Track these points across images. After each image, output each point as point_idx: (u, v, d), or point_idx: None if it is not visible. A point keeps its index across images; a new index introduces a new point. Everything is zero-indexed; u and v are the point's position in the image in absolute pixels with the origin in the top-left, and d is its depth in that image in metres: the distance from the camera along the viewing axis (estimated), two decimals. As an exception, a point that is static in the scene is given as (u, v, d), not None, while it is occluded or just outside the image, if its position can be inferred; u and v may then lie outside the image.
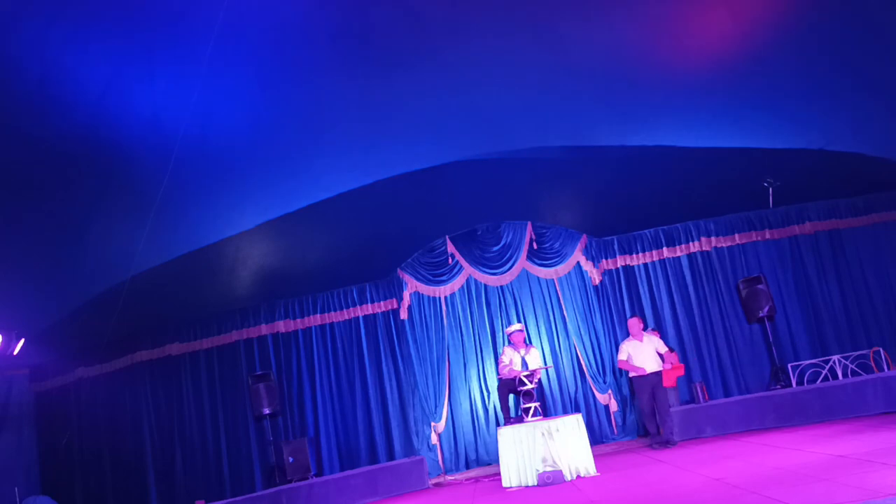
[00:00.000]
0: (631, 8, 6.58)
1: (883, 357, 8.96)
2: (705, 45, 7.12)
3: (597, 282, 10.16)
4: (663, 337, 9.67)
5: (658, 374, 8.50)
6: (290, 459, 8.97)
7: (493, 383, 9.76)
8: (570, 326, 9.97)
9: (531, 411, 7.75)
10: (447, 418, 9.79)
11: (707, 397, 9.25)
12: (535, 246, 10.15)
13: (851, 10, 6.87)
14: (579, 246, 10.22)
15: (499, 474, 7.80)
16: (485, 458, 9.65)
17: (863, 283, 10.10)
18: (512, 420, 8.26)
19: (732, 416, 8.61)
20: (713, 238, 10.17)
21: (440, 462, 9.65)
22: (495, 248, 10.14)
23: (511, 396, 8.69)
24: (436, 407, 9.75)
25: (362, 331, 10.13)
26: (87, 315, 9.23)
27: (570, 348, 9.99)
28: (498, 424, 9.21)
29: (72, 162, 6.50)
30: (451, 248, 10.17)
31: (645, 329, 9.47)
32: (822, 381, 8.81)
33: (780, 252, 10.18)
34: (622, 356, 8.76)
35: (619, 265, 10.24)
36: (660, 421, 8.54)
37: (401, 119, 7.60)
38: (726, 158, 9.11)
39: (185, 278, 9.12)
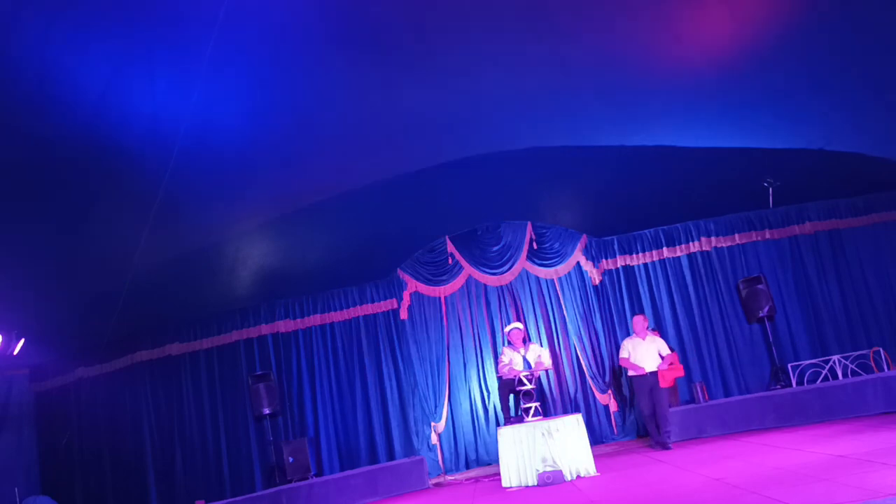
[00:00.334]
0: (631, 8, 6.58)
1: (883, 357, 8.96)
2: (705, 45, 7.12)
3: (597, 282, 10.16)
4: (663, 337, 9.65)
5: (656, 374, 8.42)
6: (290, 459, 8.98)
7: (493, 383, 9.76)
8: (570, 326, 9.96)
9: (531, 411, 7.75)
10: (447, 418, 9.80)
11: (707, 397, 9.25)
12: (535, 246, 10.15)
13: (851, 9, 6.86)
14: (579, 246, 10.22)
15: (499, 474, 7.80)
16: (485, 458, 9.65)
17: (863, 283, 10.10)
18: (512, 420, 8.26)
19: (732, 416, 8.61)
20: (713, 238, 10.17)
21: (440, 462, 9.65)
22: (495, 248, 10.14)
23: (511, 396, 8.69)
24: (436, 407, 9.76)
25: (362, 331, 10.14)
26: (87, 315, 9.23)
27: (570, 348, 9.99)
28: (498, 424, 9.22)
29: (72, 162, 6.50)
30: (451, 248, 10.17)
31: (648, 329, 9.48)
32: (822, 381, 8.81)
33: (780, 252, 10.18)
34: (623, 353, 8.73)
35: (619, 265, 10.24)
36: (658, 422, 8.49)
37: (401, 119, 7.59)
38: (726, 158, 9.11)
39: (185, 278, 9.12)
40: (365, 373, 9.99)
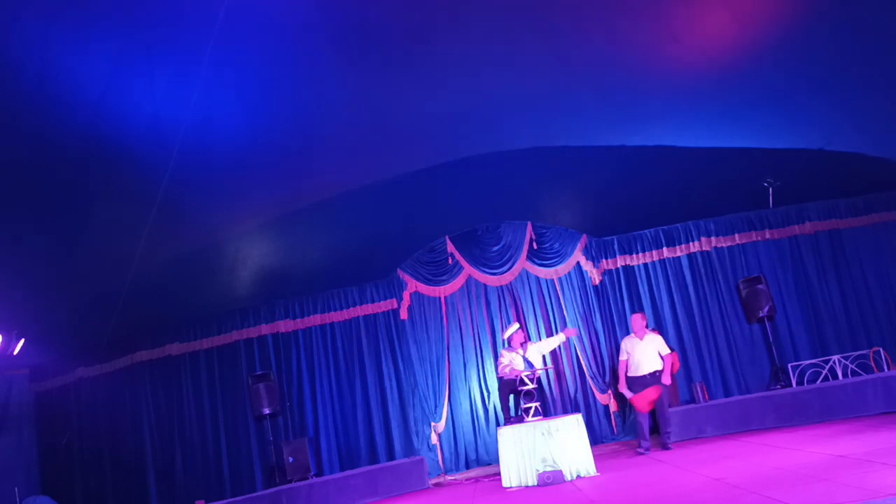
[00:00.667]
0: (631, 8, 6.58)
1: (883, 357, 8.96)
2: (705, 46, 7.12)
3: (597, 282, 10.16)
4: (663, 337, 9.64)
5: (654, 375, 8.21)
6: (290, 459, 8.98)
7: (493, 383, 9.75)
8: (570, 326, 9.95)
9: (531, 411, 7.74)
10: (447, 418, 9.80)
11: (707, 397, 9.24)
12: (535, 246, 10.15)
13: (851, 9, 6.86)
14: (579, 246, 10.22)
15: (499, 474, 7.80)
16: (485, 458, 9.65)
17: (863, 283, 10.10)
18: (512, 420, 8.26)
19: (732, 416, 8.60)
20: (713, 238, 10.17)
21: (440, 462, 9.65)
22: (495, 248, 10.14)
23: (511, 396, 8.69)
24: (436, 407, 9.75)
25: (362, 331, 10.13)
26: (87, 315, 9.23)
27: (570, 348, 9.98)
28: (498, 424, 9.21)
29: (72, 162, 6.50)
30: (451, 247, 10.17)
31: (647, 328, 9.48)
32: (822, 381, 8.81)
33: (780, 252, 10.17)
34: (622, 356, 8.55)
35: (619, 265, 10.24)
36: (658, 423, 8.40)
37: (401, 118, 7.60)
38: (726, 158, 9.10)
39: (185, 278, 9.12)
40: (365, 373, 9.99)
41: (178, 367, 10.05)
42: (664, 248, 10.21)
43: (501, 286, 10.15)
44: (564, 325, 10.00)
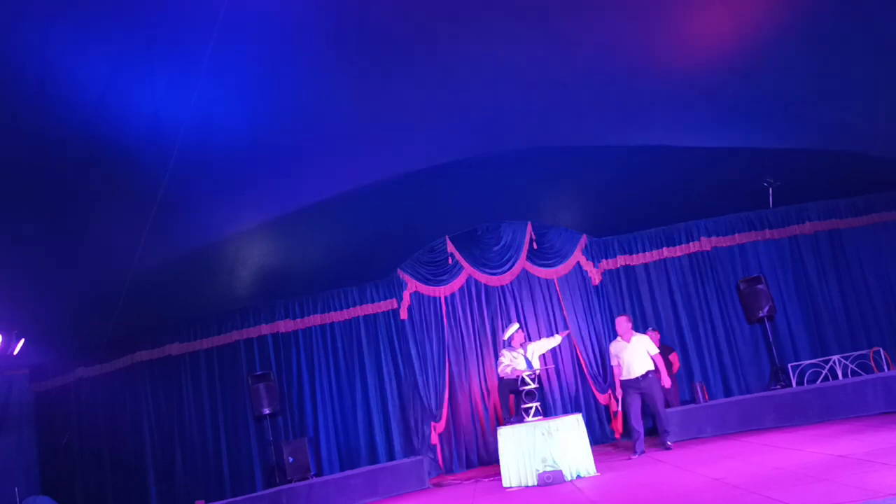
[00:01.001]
0: (631, 8, 6.58)
1: (883, 357, 8.95)
2: (705, 45, 7.12)
3: (597, 282, 10.16)
4: (663, 337, 9.66)
5: (646, 376, 8.01)
6: (290, 459, 8.98)
7: (493, 383, 9.75)
8: (570, 326, 9.96)
9: (531, 411, 7.74)
10: (447, 418, 9.79)
11: (707, 397, 9.24)
12: (535, 246, 10.14)
13: (851, 9, 6.86)
14: (579, 246, 10.22)
15: (499, 474, 7.79)
16: (485, 458, 9.66)
17: (863, 283, 10.11)
18: (512, 420, 8.26)
19: (732, 416, 8.59)
20: (713, 238, 10.17)
21: (440, 462, 9.65)
22: (495, 248, 10.14)
23: (511, 396, 8.68)
24: (436, 407, 9.75)
25: (362, 331, 10.14)
26: (87, 315, 9.23)
27: (570, 348, 9.98)
28: (498, 424, 9.21)
29: (72, 162, 6.50)
30: (451, 248, 10.17)
31: (646, 329, 9.46)
32: (822, 381, 8.81)
33: (780, 252, 10.18)
34: (613, 362, 8.36)
35: (619, 265, 10.25)
36: (656, 423, 8.27)
37: (401, 119, 7.59)
38: (726, 158, 9.10)
39: (185, 278, 9.12)
40: (365, 373, 9.99)
41: (178, 367, 10.05)
42: (664, 248, 10.22)
43: (501, 286, 10.15)
44: (565, 325, 10.01)
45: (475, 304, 10.14)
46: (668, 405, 9.09)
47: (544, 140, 8.49)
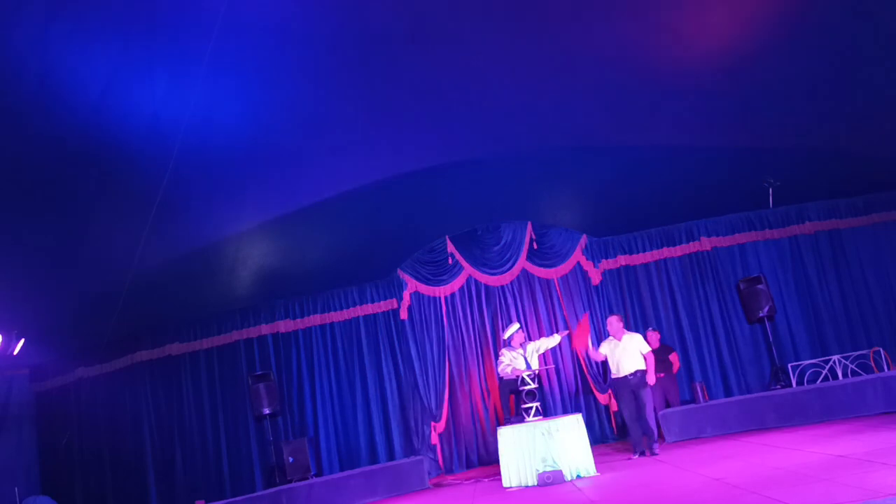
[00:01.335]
0: (631, 8, 6.59)
1: (883, 357, 8.95)
2: (705, 46, 7.12)
3: (597, 282, 10.15)
4: (663, 337, 9.66)
5: (637, 375, 7.85)
6: (290, 459, 8.97)
7: (493, 383, 9.75)
8: (570, 326, 9.95)
9: (531, 411, 7.74)
10: (447, 418, 9.79)
11: (707, 397, 9.23)
12: (535, 246, 10.14)
13: (851, 10, 6.87)
14: (579, 246, 10.22)
15: (499, 474, 7.79)
16: (485, 458, 9.65)
17: (863, 283, 10.10)
18: (512, 420, 8.25)
19: (732, 416, 8.59)
20: (713, 238, 10.17)
21: (440, 462, 9.65)
22: (495, 248, 10.13)
23: (511, 396, 8.68)
24: (436, 407, 9.75)
25: (362, 331, 10.13)
26: (87, 315, 9.23)
27: (570, 348, 9.97)
28: (498, 424, 9.21)
29: (72, 161, 6.51)
30: (451, 247, 10.17)
31: (646, 329, 9.46)
32: (822, 381, 8.80)
33: (780, 252, 10.17)
34: (599, 358, 8.27)
35: (619, 265, 10.24)
36: (642, 426, 7.93)
37: (400, 119, 7.60)
38: (726, 158, 9.11)
39: (185, 278, 9.12)
40: (365, 373, 9.99)
41: (178, 367, 10.05)
42: (664, 248, 10.21)
43: (501, 286, 10.15)
44: (565, 325, 10.00)
45: (475, 304, 10.14)
46: (667, 405, 9.11)
47: (544, 140, 8.49)
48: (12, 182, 6.48)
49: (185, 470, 9.72)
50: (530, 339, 9.35)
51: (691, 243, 10.21)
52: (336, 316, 10.14)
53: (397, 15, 6.15)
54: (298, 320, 10.10)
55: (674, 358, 9.45)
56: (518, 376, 8.05)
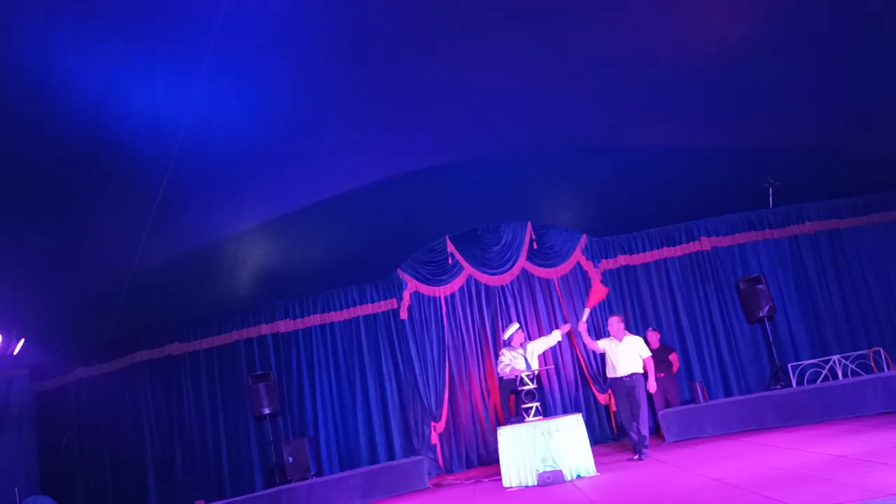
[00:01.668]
0: (631, 8, 6.58)
1: (883, 357, 8.95)
2: (705, 45, 7.12)
3: (597, 282, 10.14)
4: (663, 337, 9.66)
5: (632, 377, 7.81)
6: (290, 459, 8.97)
7: (493, 383, 9.75)
8: (570, 326, 9.94)
9: (531, 411, 7.74)
10: (447, 418, 9.79)
11: (707, 397, 9.23)
12: (535, 246, 10.14)
13: (851, 9, 6.86)
14: (579, 246, 10.22)
15: (499, 474, 7.79)
16: (485, 458, 9.65)
17: (863, 283, 10.10)
18: (512, 420, 8.25)
19: (732, 416, 8.59)
20: (713, 238, 10.17)
21: (440, 462, 9.65)
22: (495, 248, 10.13)
23: (511, 396, 8.68)
24: (436, 407, 9.75)
25: (362, 331, 10.13)
26: (87, 315, 9.23)
27: (570, 348, 9.97)
28: (498, 424, 9.21)
29: (72, 162, 6.50)
30: (451, 248, 10.17)
31: (646, 329, 9.46)
32: (822, 381, 8.81)
33: (780, 252, 10.17)
34: (598, 350, 8.22)
35: (619, 265, 10.24)
36: (637, 427, 7.83)
37: (400, 119, 7.60)
38: (726, 158, 9.10)
39: (185, 278, 9.12)
40: (365, 373, 9.99)
41: (178, 367, 10.05)
42: (664, 248, 10.21)
43: (501, 286, 10.15)
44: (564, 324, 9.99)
45: (475, 304, 10.14)
46: (667, 405, 9.11)
47: (544, 140, 8.49)
48: (12, 182, 6.48)
49: (185, 470, 9.72)
50: (530, 339, 9.35)
51: (691, 243, 10.21)
52: (336, 316, 10.14)
53: (398, 16, 6.15)
54: (298, 320, 10.10)
55: (674, 358, 9.45)
56: (518, 376, 8.05)
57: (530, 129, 8.24)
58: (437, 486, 8.90)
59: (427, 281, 10.12)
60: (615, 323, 8.15)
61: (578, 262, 10.20)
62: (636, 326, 9.77)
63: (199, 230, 8.46)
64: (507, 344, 8.78)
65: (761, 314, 9.44)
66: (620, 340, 8.02)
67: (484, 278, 10.12)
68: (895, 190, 10.29)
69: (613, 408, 9.65)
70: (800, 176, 9.70)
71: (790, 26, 6.94)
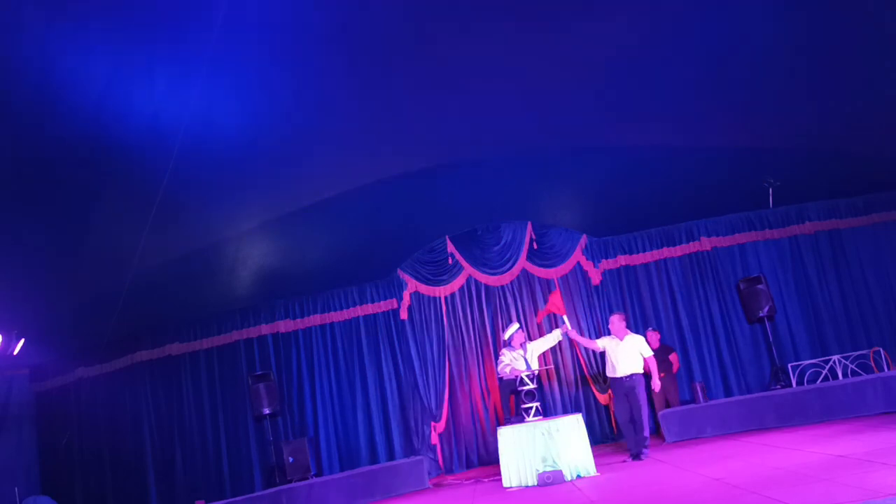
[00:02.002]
0: (631, 7, 6.59)
1: (883, 357, 8.95)
2: (705, 44, 7.12)
3: (597, 282, 10.15)
4: (663, 337, 9.66)
5: (632, 377, 7.76)
6: (290, 459, 8.97)
7: (493, 383, 9.75)
8: (570, 326, 9.93)
9: (531, 411, 7.73)
10: (447, 418, 9.79)
11: (707, 397, 9.23)
12: (535, 246, 10.14)
13: (851, 9, 6.87)
14: (579, 246, 10.22)
15: (499, 474, 7.79)
16: (485, 458, 9.65)
17: (863, 283, 10.10)
18: (512, 420, 8.25)
19: (732, 416, 8.59)
20: (713, 238, 10.16)
21: (440, 462, 9.65)
22: (495, 248, 10.13)
23: (511, 396, 8.68)
24: (436, 407, 9.75)
25: (362, 331, 10.13)
26: (87, 315, 9.24)
27: (570, 348, 9.97)
28: (498, 424, 9.21)
29: (72, 162, 6.51)
30: (451, 248, 10.16)
31: (646, 329, 9.45)
32: (822, 381, 8.81)
33: (780, 252, 10.17)
34: (597, 349, 8.22)
35: (619, 265, 10.24)
36: (635, 428, 7.78)
37: (400, 118, 7.60)
38: (726, 158, 9.10)
39: (185, 278, 9.13)
40: (365, 373, 9.98)
41: (178, 367, 10.05)
42: (664, 248, 10.21)
43: (501, 286, 10.14)
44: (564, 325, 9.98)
45: (475, 304, 10.13)
46: (667, 405, 9.11)
47: (545, 140, 8.49)
48: (13, 182, 6.48)
49: (185, 470, 9.72)
50: (530, 339, 9.35)
51: (691, 243, 10.21)
52: (336, 316, 10.14)
53: (397, 14, 6.15)
54: (298, 320, 10.10)
55: (674, 358, 9.45)
56: (518, 376, 8.05)
57: (530, 129, 8.24)
58: (437, 486, 8.90)
59: (427, 281, 10.12)
60: (616, 321, 8.07)
61: (578, 262, 10.20)
62: (636, 326, 9.75)
63: (199, 230, 8.47)
64: (508, 344, 8.78)
65: (761, 314, 9.44)
66: (622, 339, 7.95)
67: (484, 278, 10.11)
68: (895, 190, 10.28)
69: (613, 408, 9.64)
70: (800, 176, 9.70)
71: (790, 25, 6.94)
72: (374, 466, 9.22)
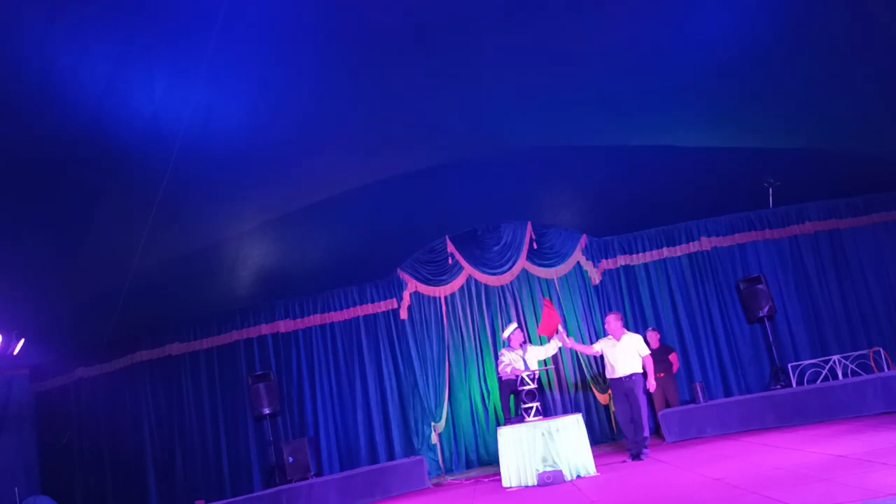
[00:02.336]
0: (632, 7, 6.59)
1: (883, 357, 8.96)
2: (705, 44, 7.12)
3: (597, 282, 10.15)
4: (663, 337, 9.66)
5: (631, 377, 7.71)
6: (290, 459, 8.97)
7: (493, 383, 9.75)
8: (570, 327, 9.95)
9: (532, 411, 7.73)
10: (447, 418, 9.79)
11: (707, 397, 9.23)
12: (535, 246, 10.13)
13: (852, 9, 6.87)
14: (579, 246, 10.22)
15: (499, 474, 7.79)
16: (485, 458, 9.65)
17: (863, 283, 10.10)
18: (512, 420, 8.25)
19: (732, 416, 8.59)
20: (713, 238, 10.16)
21: (440, 462, 9.65)
22: (495, 248, 10.13)
23: (511, 396, 8.68)
24: (436, 407, 9.75)
25: (362, 331, 10.13)
26: (87, 315, 9.24)
27: (570, 349, 9.95)
28: (498, 424, 9.21)
29: (72, 161, 6.51)
30: (451, 247, 10.16)
31: (646, 329, 9.45)
32: (822, 381, 8.81)
33: (780, 252, 10.17)
34: (595, 353, 8.21)
35: (619, 265, 10.24)
36: (635, 429, 7.74)
37: (400, 118, 7.60)
38: (726, 158, 9.11)
39: (185, 278, 9.13)
40: (365, 373, 9.98)
41: (178, 367, 10.05)
42: (664, 248, 10.21)
43: (501, 286, 10.14)
44: (565, 325, 9.95)
45: (475, 304, 10.13)
46: (667, 405, 9.11)
47: (544, 140, 8.50)
48: (13, 182, 6.48)
49: (185, 470, 9.72)
50: (529, 340, 9.35)
51: (691, 243, 10.21)
52: (336, 316, 10.13)
53: (397, 15, 6.15)
54: (298, 320, 10.10)
55: (673, 358, 9.45)
56: (518, 376, 8.05)
57: (530, 129, 8.24)
58: (438, 485, 8.90)
59: (427, 281, 10.12)
60: (613, 321, 7.98)
61: (578, 262, 10.20)
62: (636, 326, 9.76)
63: (199, 230, 8.47)
64: (507, 344, 8.77)
65: (761, 314, 9.44)
66: (619, 339, 7.88)
67: (484, 278, 10.11)
68: (895, 190, 10.29)
69: (613, 408, 9.64)
70: (800, 176, 9.70)
71: (790, 26, 6.94)
72: (374, 466, 9.22)
